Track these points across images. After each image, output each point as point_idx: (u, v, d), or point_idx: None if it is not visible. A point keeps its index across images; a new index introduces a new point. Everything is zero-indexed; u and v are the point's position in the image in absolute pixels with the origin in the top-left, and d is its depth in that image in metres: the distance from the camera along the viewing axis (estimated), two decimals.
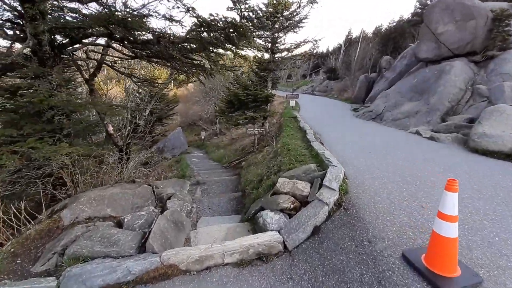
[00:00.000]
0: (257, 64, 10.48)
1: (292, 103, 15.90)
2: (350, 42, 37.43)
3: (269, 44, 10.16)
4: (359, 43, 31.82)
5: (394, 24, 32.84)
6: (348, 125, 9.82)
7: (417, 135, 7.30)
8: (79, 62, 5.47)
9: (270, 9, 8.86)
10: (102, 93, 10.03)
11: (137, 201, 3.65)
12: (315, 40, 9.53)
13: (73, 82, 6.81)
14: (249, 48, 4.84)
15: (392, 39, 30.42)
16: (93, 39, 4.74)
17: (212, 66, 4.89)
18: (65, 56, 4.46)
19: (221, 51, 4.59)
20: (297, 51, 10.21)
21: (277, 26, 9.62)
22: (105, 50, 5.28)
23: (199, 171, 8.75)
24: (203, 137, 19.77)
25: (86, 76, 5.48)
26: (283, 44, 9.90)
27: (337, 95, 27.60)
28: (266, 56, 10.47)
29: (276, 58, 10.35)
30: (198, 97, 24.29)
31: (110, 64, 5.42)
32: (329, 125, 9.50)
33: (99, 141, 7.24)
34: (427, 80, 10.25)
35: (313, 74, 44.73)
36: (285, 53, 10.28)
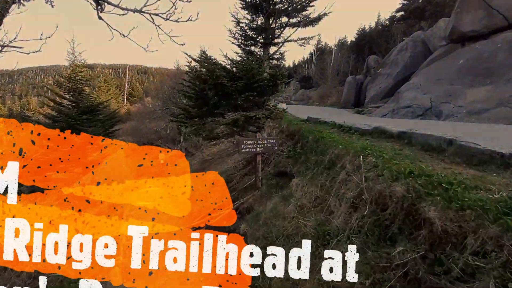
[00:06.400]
0: (242, 33, 6.13)
1: (284, 107, 12.01)
2: (321, 51, 36.85)
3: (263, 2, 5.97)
4: (333, 51, 31.98)
5: (362, 32, 34.09)
6: None
7: None
8: None
9: None
10: None
11: None
12: None
13: None
14: None
15: (363, 46, 31.59)
16: None
17: None
18: None
19: None
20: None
21: None
22: None
23: None
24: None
25: None
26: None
27: (318, 102, 26.54)
28: (258, 22, 6.23)
29: (275, 25, 6.19)
30: (154, 107, 18.85)
31: None
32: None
33: None
34: (489, 57, 7.12)
35: (285, 85, 42.84)
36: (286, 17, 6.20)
